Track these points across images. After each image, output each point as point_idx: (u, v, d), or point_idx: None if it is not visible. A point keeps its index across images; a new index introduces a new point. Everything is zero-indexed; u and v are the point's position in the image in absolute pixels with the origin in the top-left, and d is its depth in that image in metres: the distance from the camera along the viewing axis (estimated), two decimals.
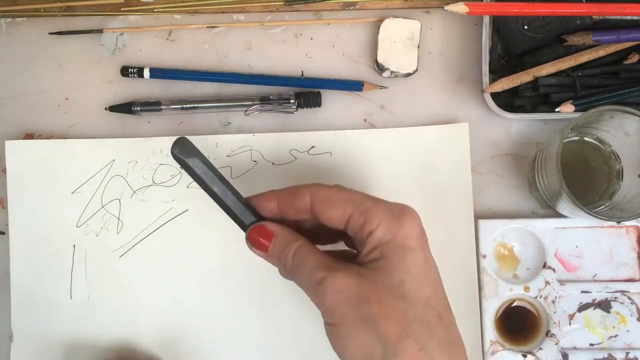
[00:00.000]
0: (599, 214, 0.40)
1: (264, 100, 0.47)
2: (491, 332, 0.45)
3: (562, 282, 0.46)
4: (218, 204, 0.36)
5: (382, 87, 0.48)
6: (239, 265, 0.46)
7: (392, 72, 0.47)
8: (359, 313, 0.32)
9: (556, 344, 0.45)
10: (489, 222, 0.46)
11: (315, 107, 0.47)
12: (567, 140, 0.45)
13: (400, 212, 0.34)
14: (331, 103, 0.48)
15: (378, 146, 0.47)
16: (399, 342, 0.31)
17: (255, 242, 0.36)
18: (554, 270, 0.46)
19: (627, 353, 0.45)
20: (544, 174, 0.42)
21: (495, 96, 0.46)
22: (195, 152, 0.35)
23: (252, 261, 0.46)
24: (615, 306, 0.46)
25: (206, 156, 0.36)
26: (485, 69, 0.45)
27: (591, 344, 0.46)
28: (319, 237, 0.38)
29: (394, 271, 0.33)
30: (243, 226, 0.36)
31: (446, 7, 0.43)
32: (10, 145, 0.47)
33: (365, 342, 0.32)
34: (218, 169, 0.36)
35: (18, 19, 0.49)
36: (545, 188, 0.43)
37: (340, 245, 0.39)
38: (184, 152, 0.35)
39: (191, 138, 0.47)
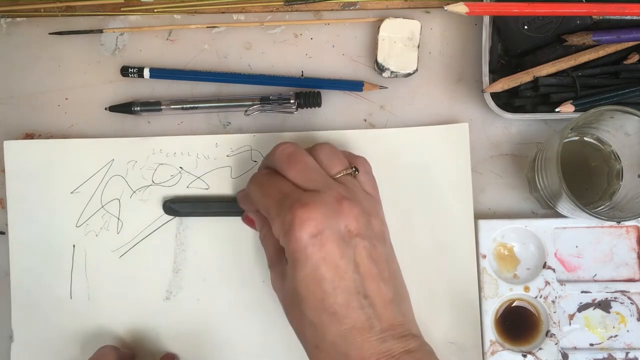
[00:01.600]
0: (599, 214, 0.40)
1: (264, 100, 0.47)
2: (491, 332, 0.45)
3: (562, 282, 0.46)
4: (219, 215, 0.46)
5: (382, 87, 0.48)
6: (238, 264, 0.46)
7: (392, 72, 0.47)
8: (285, 309, 0.39)
9: (556, 344, 0.45)
10: (489, 222, 0.46)
11: (315, 107, 0.47)
12: (567, 140, 0.45)
13: (289, 223, 0.36)
14: (331, 103, 0.48)
15: (378, 146, 0.47)
16: (305, 343, 0.38)
17: (248, 223, 0.45)
18: (554, 270, 0.46)
19: (627, 353, 0.45)
20: (544, 174, 0.42)
21: (495, 96, 0.46)
22: (181, 206, 0.46)
23: (252, 258, 0.47)
24: (615, 306, 0.46)
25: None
26: (485, 69, 0.45)
27: (591, 344, 0.46)
28: None
29: (290, 280, 0.37)
30: (238, 214, 0.46)
31: (446, 7, 0.43)
32: (10, 145, 0.47)
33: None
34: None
35: (18, 19, 0.49)
36: (545, 188, 0.43)
37: None
38: (175, 212, 0.46)
39: (191, 138, 0.47)
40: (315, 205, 0.36)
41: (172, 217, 0.47)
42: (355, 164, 0.40)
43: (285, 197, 0.37)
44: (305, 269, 0.36)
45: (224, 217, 0.46)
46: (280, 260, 0.39)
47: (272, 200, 0.38)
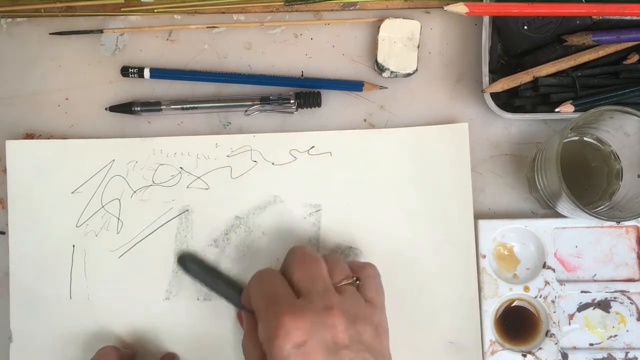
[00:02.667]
0: (599, 214, 0.40)
1: (264, 100, 0.47)
2: (491, 332, 0.45)
3: (561, 282, 0.46)
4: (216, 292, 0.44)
5: (382, 87, 0.48)
6: (238, 264, 0.46)
7: (392, 72, 0.47)
8: None
9: (556, 343, 0.45)
10: (489, 222, 0.46)
11: (315, 107, 0.47)
12: (566, 140, 0.45)
13: (271, 331, 0.36)
14: (331, 103, 0.48)
15: (378, 146, 0.47)
16: None
17: (240, 320, 0.43)
18: (553, 270, 0.46)
19: (627, 353, 0.45)
20: (543, 174, 0.42)
21: (495, 96, 0.46)
22: (194, 263, 0.44)
23: (251, 261, 0.47)
24: (614, 306, 0.46)
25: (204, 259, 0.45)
26: (485, 69, 0.45)
27: (591, 344, 0.46)
28: None
29: None
30: (235, 305, 0.43)
31: (446, 8, 0.43)
32: (11, 145, 0.47)
33: None
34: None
35: (18, 19, 0.49)
36: (545, 188, 0.43)
37: None
38: (186, 267, 0.44)
39: (191, 138, 0.47)
40: (303, 313, 0.35)
41: (170, 208, 0.46)
42: (358, 273, 0.40)
43: (276, 300, 0.37)
44: None
45: (224, 219, 0.46)
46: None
47: (264, 300, 0.37)
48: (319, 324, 0.35)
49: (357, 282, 0.40)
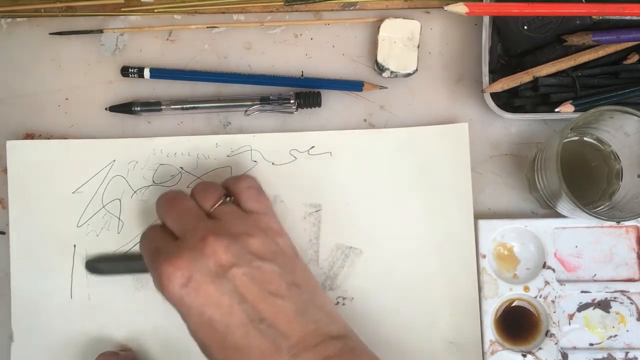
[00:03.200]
0: (599, 214, 0.40)
1: (264, 100, 0.47)
2: (491, 332, 0.45)
3: (561, 282, 0.46)
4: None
5: (382, 87, 0.48)
6: None
7: (392, 72, 0.47)
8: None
9: (556, 343, 0.45)
10: (489, 222, 0.46)
11: (315, 107, 0.47)
12: (566, 140, 0.45)
13: (156, 282, 0.36)
14: (331, 103, 0.48)
15: (378, 146, 0.47)
16: None
17: None
18: (553, 270, 0.46)
19: (627, 353, 0.45)
20: (543, 174, 0.42)
21: (495, 96, 0.46)
22: (106, 264, 0.46)
23: None
24: (614, 306, 0.46)
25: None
26: (485, 69, 0.45)
27: (591, 344, 0.46)
28: None
29: (189, 331, 0.37)
30: None
31: (446, 8, 0.43)
32: (11, 145, 0.47)
33: None
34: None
35: (18, 19, 0.49)
36: (545, 188, 0.43)
37: None
38: (100, 269, 0.46)
39: (191, 138, 0.47)
40: (179, 253, 0.36)
41: None
42: (233, 188, 0.40)
43: (156, 252, 0.37)
44: (192, 319, 0.36)
45: None
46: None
47: (147, 257, 0.38)
48: (198, 256, 0.36)
49: (230, 198, 0.40)
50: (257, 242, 0.37)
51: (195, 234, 0.37)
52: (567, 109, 0.44)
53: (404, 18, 0.47)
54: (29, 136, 0.48)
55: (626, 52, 0.45)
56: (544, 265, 0.46)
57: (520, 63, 0.46)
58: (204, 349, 0.36)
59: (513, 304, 0.46)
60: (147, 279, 0.46)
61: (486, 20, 0.46)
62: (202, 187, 0.40)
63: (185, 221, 0.38)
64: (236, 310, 0.35)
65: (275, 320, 0.36)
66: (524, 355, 0.45)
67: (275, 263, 0.37)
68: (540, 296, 0.46)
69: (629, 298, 0.46)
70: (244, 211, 0.39)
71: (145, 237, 0.40)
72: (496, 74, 0.46)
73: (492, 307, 0.46)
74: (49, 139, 0.48)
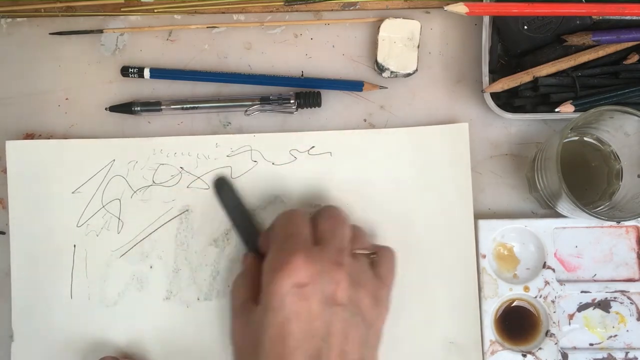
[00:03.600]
0: (599, 214, 0.40)
1: (264, 100, 0.47)
2: (491, 332, 0.45)
3: (561, 282, 0.46)
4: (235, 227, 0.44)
5: (382, 87, 0.48)
6: (237, 264, 0.46)
7: (392, 72, 0.47)
8: (237, 356, 0.39)
9: (556, 343, 0.45)
10: (489, 222, 0.46)
11: (315, 107, 0.47)
12: (566, 140, 0.45)
13: (278, 265, 0.36)
14: (331, 103, 0.48)
15: (378, 146, 0.47)
16: None
17: (243, 259, 0.44)
18: (553, 270, 0.46)
19: (627, 353, 0.45)
20: (543, 174, 0.42)
21: (495, 96, 0.46)
22: (229, 190, 0.44)
23: None
24: (614, 306, 0.46)
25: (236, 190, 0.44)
26: (485, 69, 0.45)
27: (591, 344, 0.46)
28: None
29: (257, 325, 0.36)
30: (248, 246, 0.44)
31: (446, 8, 0.43)
32: (11, 145, 0.47)
33: None
34: (235, 192, 0.44)
35: (18, 19, 0.49)
36: (545, 188, 0.43)
37: None
38: (221, 191, 0.44)
39: (191, 138, 0.47)
40: (314, 259, 0.36)
41: (170, 208, 0.47)
42: (377, 250, 0.40)
43: (295, 239, 0.37)
44: (277, 316, 0.35)
45: (223, 218, 0.47)
46: (247, 308, 0.38)
47: (284, 235, 0.38)
48: (326, 275, 0.36)
49: (373, 256, 0.40)
50: (369, 305, 0.37)
51: (336, 256, 0.37)
52: (567, 109, 0.44)
53: (404, 18, 0.47)
54: (29, 136, 0.48)
55: (626, 52, 0.45)
56: (544, 265, 0.46)
57: (520, 63, 0.46)
58: (255, 351, 0.35)
59: (513, 304, 0.46)
60: (147, 278, 0.46)
61: (486, 20, 0.46)
62: (360, 230, 0.41)
63: (335, 240, 0.38)
64: (314, 342, 0.35)
65: None
66: (524, 355, 0.45)
67: (367, 332, 0.37)
68: (540, 296, 0.46)
69: (629, 298, 0.46)
70: (375, 271, 0.39)
71: (293, 218, 0.40)
72: (496, 74, 0.46)
73: (492, 307, 0.46)
74: (49, 139, 0.48)
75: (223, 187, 0.44)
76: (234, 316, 0.40)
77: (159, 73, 0.48)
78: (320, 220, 0.40)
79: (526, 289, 0.46)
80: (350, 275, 0.37)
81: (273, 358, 0.35)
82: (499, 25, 0.46)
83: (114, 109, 0.47)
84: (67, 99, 0.49)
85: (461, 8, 0.43)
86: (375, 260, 0.40)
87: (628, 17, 0.44)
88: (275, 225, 0.40)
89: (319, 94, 0.47)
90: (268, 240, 0.40)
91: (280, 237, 0.38)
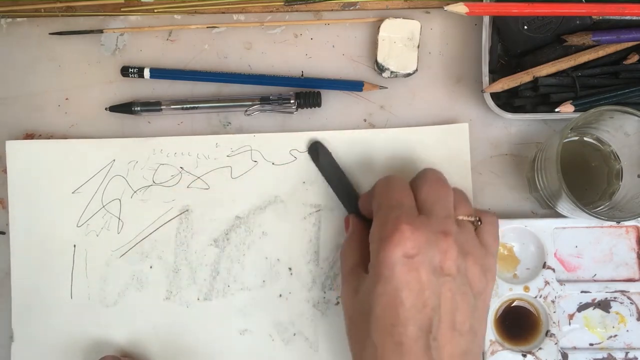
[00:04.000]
0: (599, 214, 0.40)
1: (264, 100, 0.47)
2: (491, 332, 0.45)
3: (561, 282, 0.46)
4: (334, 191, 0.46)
5: (382, 87, 0.48)
6: (237, 264, 0.47)
7: (392, 72, 0.47)
8: (349, 323, 0.39)
9: (556, 343, 0.45)
10: None
11: (315, 107, 0.47)
12: (566, 140, 0.45)
13: (387, 233, 0.36)
14: (331, 103, 0.48)
15: (378, 146, 0.47)
16: (357, 357, 0.37)
17: (345, 225, 0.45)
18: (553, 270, 0.46)
19: (627, 353, 0.45)
20: (543, 174, 0.42)
21: (495, 96, 0.46)
22: (325, 154, 0.46)
23: (251, 261, 0.47)
24: (614, 306, 0.46)
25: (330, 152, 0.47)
26: (485, 69, 0.45)
27: (591, 344, 0.46)
28: None
29: (366, 294, 0.36)
30: (348, 208, 0.46)
31: (446, 8, 0.43)
32: (11, 145, 0.47)
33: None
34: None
35: (18, 19, 0.49)
36: (545, 188, 0.43)
37: None
38: (317, 155, 0.46)
39: (191, 138, 0.47)
40: (421, 228, 0.35)
41: (170, 208, 0.47)
42: (481, 215, 0.40)
43: (399, 207, 0.37)
44: (387, 285, 0.35)
45: (224, 218, 0.47)
46: (357, 274, 0.38)
47: (387, 203, 0.37)
48: (433, 244, 0.36)
49: (479, 222, 0.39)
50: (477, 274, 0.37)
51: (442, 225, 0.37)
52: (567, 109, 0.44)
53: (404, 18, 0.47)
54: (29, 136, 0.48)
55: (626, 52, 0.45)
56: (544, 265, 0.46)
57: (520, 63, 0.46)
58: (366, 319, 0.36)
59: (513, 304, 0.46)
60: (147, 278, 0.46)
61: (486, 20, 0.46)
62: (461, 195, 0.40)
63: (439, 207, 0.38)
64: (425, 312, 0.35)
65: (444, 348, 0.35)
66: (524, 355, 0.45)
67: (475, 302, 0.37)
68: (540, 296, 0.46)
69: (629, 298, 0.46)
70: (480, 239, 0.39)
71: (394, 185, 0.39)
72: (496, 74, 0.46)
73: (492, 307, 0.46)
74: (49, 139, 0.48)
75: (318, 151, 0.46)
76: (344, 282, 0.40)
77: (159, 73, 0.48)
78: (422, 186, 0.39)
79: (526, 289, 0.46)
80: (457, 243, 0.36)
81: (384, 327, 0.35)
82: (499, 25, 0.46)
83: (114, 109, 0.47)
84: (67, 99, 0.49)
85: (461, 8, 0.43)
86: (479, 227, 0.39)
87: (628, 17, 0.44)
88: (377, 192, 0.39)
89: (319, 94, 0.47)
90: (368, 205, 0.40)
91: (384, 206, 0.38)
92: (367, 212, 0.42)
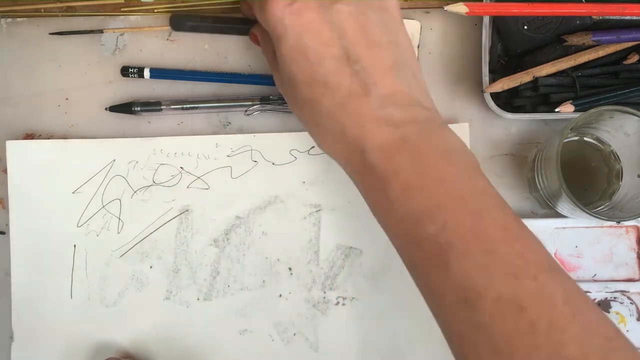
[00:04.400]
0: (599, 214, 0.40)
1: (264, 100, 0.47)
2: None
3: None
4: (226, 33, 0.47)
5: None
6: (237, 264, 0.47)
7: None
8: (284, 97, 0.40)
9: None
10: None
11: None
12: (566, 140, 0.45)
13: (264, 2, 0.35)
14: None
15: None
16: (306, 123, 0.38)
17: (254, 40, 0.44)
18: None
19: None
20: (543, 174, 0.42)
21: (495, 96, 0.46)
22: (190, 20, 0.47)
23: (251, 261, 0.47)
24: (615, 306, 0.46)
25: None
26: (485, 69, 0.45)
27: None
28: None
29: (280, 64, 0.36)
30: (244, 32, 0.47)
31: (446, 8, 0.43)
32: (11, 145, 0.47)
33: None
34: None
35: (18, 19, 0.49)
36: (545, 188, 0.43)
37: None
38: (182, 26, 0.47)
39: (191, 138, 0.47)
40: None
41: (170, 208, 0.47)
42: None
43: None
44: (287, 41, 0.35)
45: (224, 218, 0.47)
46: (274, 64, 0.38)
47: None
48: None
49: None
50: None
51: None
52: (567, 109, 0.44)
53: (404, 18, 0.47)
54: (29, 136, 0.48)
55: (626, 52, 0.45)
56: None
57: (520, 63, 0.46)
58: (291, 79, 0.36)
59: None
60: (147, 278, 0.46)
61: (486, 20, 0.46)
62: None
63: None
64: (333, 44, 0.34)
65: (369, 67, 0.34)
66: None
67: (381, 15, 0.36)
68: None
69: (629, 298, 0.46)
70: None
71: None
72: (496, 74, 0.46)
73: None
74: (49, 139, 0.48)
75: (184, 22, 0.46)
76: (271, 69, 0.40)
77: (159, 73, 0.48)
78: None
79: None
80: None
81: (304, 77, 0.35)
82: (499, 25, 0.46)
83: (114, 109, 0.47)
84: (67, 99, 0.49)
85: (461, 8, 0.43)
86: None
87: (628, 17, 0.44)
88: None
89: None
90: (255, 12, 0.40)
91: None
92: (248, 12, 0.42)
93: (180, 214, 0.47)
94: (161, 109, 0.47)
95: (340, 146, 0.36)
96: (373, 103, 0.34)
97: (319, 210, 0.47)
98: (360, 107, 0.34)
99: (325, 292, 0.46)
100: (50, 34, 0.48)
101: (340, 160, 0.37)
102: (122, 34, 0.49)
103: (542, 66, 0.45)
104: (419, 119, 0.34)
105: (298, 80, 0.35)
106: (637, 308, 0.46)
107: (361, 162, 0.35)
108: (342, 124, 0.34)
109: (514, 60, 0.47)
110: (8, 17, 0.49)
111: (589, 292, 0.46)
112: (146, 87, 0.48)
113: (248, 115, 0.47)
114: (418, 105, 0.35)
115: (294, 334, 0.46)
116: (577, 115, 0.43)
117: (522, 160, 0.48)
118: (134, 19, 0.49)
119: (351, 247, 0.46)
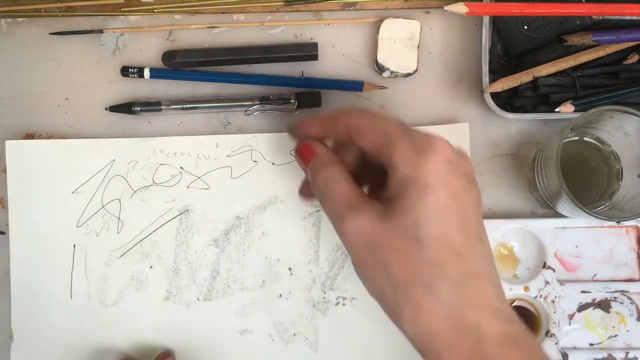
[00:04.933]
0: (599, 214, 0.40)
1: (264, 100, 0.47)
2: None
3: (562, 282, 0.46)
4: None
5: (382, 87, 0.48)
6: (237, 264, 0.47)
7: (392, 72, 0.47)
8: (374, 257, 0.33)
9: (556, 343, 0.45)
10: (489, 222, 0.46)
11: (315, 107, 0.47)
12: (567, 140, 0.45)
13: (425, 145, 0.33)
14: (331, 103, 0.48)
15: None
16: (408, 285, 0.31)
17: (300, 154, 0.38)
18: (553, 270, 0.46)
19: (627, 353, 0.45)
20: (543, 174, 0.42)
21: (495, 96, 0.46)
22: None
23: (251, 261, 0.47)
24: (615, 306, 0.46)
25: None
26: (485, 69, 0.45)
27: (591, 344, 0.46)
28: (366, 176, 0.38)
29: (410, 212, 0.32)
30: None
31: (446, 8, 0.43)
32: (11, 145, 0.47)
33: (380, 284, 0.33)
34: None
35: (18, 19, 0.49)
36: (545, 188, 0.43)
37: None
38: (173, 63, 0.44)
39: (191, 138, 0.47)
40: (446, 140, 0.33)
41: (170, 208, 0.47)
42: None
43: (408, 127, 0.34)
44: (438, 194, 0.31)
45: (225, 218, 0.47)
46: (368, 201, 0.34)
47: (395, 125, 0.34)
48: (460, 155, 0.35)
49: None
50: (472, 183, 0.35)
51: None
52: (567, 109, 0.44)
53: (404, 18, 0.47)
54: (29, 136, 0.48)
55: (626, 52, 0.45)
56: (544, 265, 0.46)
57: (520, 63, 0.46)
58: (414, 237, 0.31)
59: (513, 304, 0.46)
60: (147, 278, 0.46)
61: (486, 20, 0.46)
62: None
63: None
64: (471, 217, 0.33)
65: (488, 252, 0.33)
66: None
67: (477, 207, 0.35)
68: (541, 296, 0.46)
69: (629, 298, 0.46)
70: None
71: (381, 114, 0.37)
72: (496, 74, 0.46)
73: None
74: (49, 139, 0.48)
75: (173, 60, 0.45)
76: (349, 211, 0.34)
77: (159, 73, 0.48)
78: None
79: (526, 289, 0.46)
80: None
81: (437, 237, 0.31)
82: (499, 25, 0.46)
83: (114, 109, 0.47)
84: (67, 99, 0.49)
85: (461, 8, 0.43)
86: None
87: (628, 17, 0.44)
88: (362, 116, 0.36)
89: (319, 94, 0.47)
90: (318, 126, 0.38)
91: (392, 126, 0.35)
92: (329, 136, 0.38)
93: (180, 214, 0.47)
94: (161, 109, 0.47)
95: (447, 326, 0.31)
96: (493, 290, 0.32)
97: (319, 210, 0.47)
98: (482, 290, 0.32)
99: (325, 292, 0.46)
100: (50, 34, 0.48)
101: (434, 340, 0.32)
102: (122, 34, 0.49)
103: (542, 66, 0.45)
104: (527, 332, 0.32)
105: (429, 239, 0.31)
106: (637, 308, 0.46)
107: (474, 348, 0.31)
108: (461, 301, 0.31)
109: (514, 60, 0.47)
110: (8, 17, 0.49)
111: (589, 292, 0.46)
112: (146, 87, 0.48)
113: (248, 115, 0.47)
114: (509, 307, 0.33)
115: (294, 334, 0.46)
116: (577, 115, 0.43)
117: (522, 160, 0.48)
118: (134, 19, 0.49)
119: None
